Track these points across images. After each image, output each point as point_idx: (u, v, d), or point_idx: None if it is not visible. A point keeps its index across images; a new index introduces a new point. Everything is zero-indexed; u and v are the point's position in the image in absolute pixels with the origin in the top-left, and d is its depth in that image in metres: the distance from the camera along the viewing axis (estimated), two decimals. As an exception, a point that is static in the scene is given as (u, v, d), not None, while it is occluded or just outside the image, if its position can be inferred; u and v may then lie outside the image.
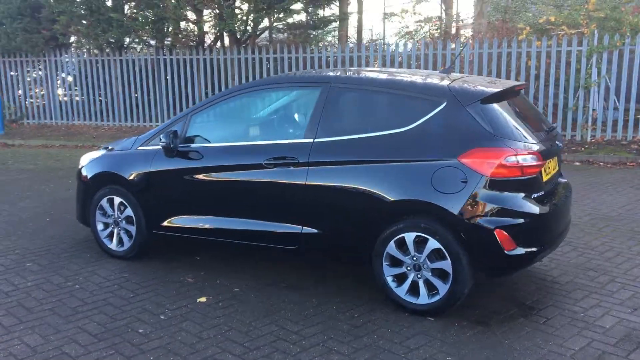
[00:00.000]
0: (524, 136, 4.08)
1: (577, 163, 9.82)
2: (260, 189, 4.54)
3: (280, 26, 13.89)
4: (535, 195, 4.06)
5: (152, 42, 14.20)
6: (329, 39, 16.44)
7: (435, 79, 4.43)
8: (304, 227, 4.43)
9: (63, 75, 14.90)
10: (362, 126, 4.33)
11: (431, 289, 4.07)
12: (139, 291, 4.61)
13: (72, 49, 14.82)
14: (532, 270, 4.97)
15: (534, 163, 3.99)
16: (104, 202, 5.31)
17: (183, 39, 13.57)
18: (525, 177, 3.97)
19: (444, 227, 3.95)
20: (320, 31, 13.84)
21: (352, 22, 18.01)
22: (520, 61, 11.19)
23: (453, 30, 16.24)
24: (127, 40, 14.21)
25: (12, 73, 14.70)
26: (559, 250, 5.40)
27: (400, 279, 4.18)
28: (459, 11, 22.55)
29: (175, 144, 4.83)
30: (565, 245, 5.56)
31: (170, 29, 13.08)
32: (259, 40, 14.50)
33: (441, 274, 4.02)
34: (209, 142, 4.86)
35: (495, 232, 3.84)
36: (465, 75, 5.14)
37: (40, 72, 14.81)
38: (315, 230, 4.40)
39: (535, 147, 4.06)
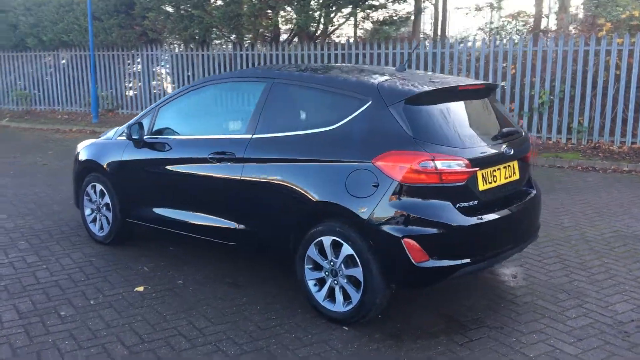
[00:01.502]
0: (453, 141, 3.75)
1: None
2: (205, 183, 4.56)
3: (359, 20, 13.71)
4: (463, 204, 3.72)
5: (232, 38, 14.62)
6: (402, 32, 15.98)
7: (374, 76, 4.19)
8: (239, 224, 4.39)
9: (157, 68, 15.78)
10: (296, 124, 4.20)
11: (347, 296, 3.88)
12: (92, 275, 4.80)
13: (165, 44, 15.64)
14: (496, 285, 4.58)
15: (458, 170, 3.66)
16: (89, 189, 5.58)
17: (259, 36, 13.83)
18: (447, 185, 3.65)
19: (356, 232, 3.74)
20: (393, 27, 13.50)
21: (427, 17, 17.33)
22: (598, 59, 10.25)
23: (543, 25, 15.19)
24: (212, 36, 14.71)
25: (119, 66, 15.76)
26: (543, 267, 4.93)
27: (321, 283, 4.02)
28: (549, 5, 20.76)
29: (140, 136, 4.96)
30: (557, 262, 5.06)
31: (245, 24, 13.37)
32: (338, 36, 14.46)
33: (355, 282, 3.82)
34: (170, 135, 4.95)
35: (403, 242, 3.58)
36: (422, 72, 4.82)
37: (138, 66, 15.78)
38: (247, 228, 4.35)
39: (465, 153, 3.71)
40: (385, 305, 3.88)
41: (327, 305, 3.95)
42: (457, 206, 3.69)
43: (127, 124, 5.12)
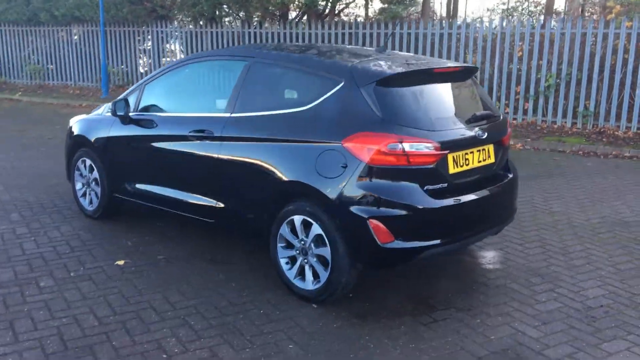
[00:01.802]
0: (423, 123, 3.76)
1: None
2: (185, 161, 4.62)
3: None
4: (431, 187, 3.74)
5: (241, 16, 14.60)
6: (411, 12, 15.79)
7: (350, 57, 4.20)
8: (217, 202, 4.46)
9: (167, 45, 15.84)
10: (272, 103, 4.23)
11: (316, 275, 3.94)
12: (77, 248, 4.91)
13: (175, 22, 15.66)
14: (472, 268, 4.61)
15: (426, 152, 3.67)
16: (79, 163, 5.68)
17: (267, 14, 13.79)
18: (414, 167, 3.67)
19: (324, 212, 3.78)
20: (401, 6, 13.36)
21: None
22: (606, 42, 10.09)
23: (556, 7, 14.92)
24: (219, 13, 14.71)
25: (130, 42, 15.79)
26: (523, 251, 4.94)
27: (292, 262, 4.08)
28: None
29: (125, 112, 5.02)
30: (538, 247, 5.07)
31: (253, 2, 13.35)
32: (347, 15, 14.36)
33: (324, 261, 3.87)
34: (155, 112, 5.00)
35: (369, 222, 3.61)
36: (402, 54, 4.81)
37: (149, 43, 15.84)
38: (224, 206, 4.42)
39: (434, 136, 3.72)
40: (354, 285, 3.92)
41: (298, 283, 4.02)
42: (425, 188, 3.70)
43: (114, 100, 5.18)
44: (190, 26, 15.10)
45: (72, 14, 16.21)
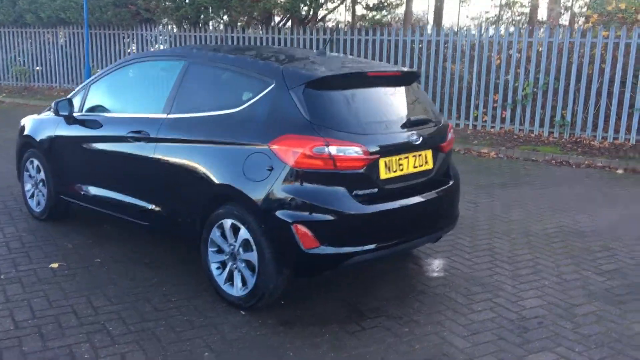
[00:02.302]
0: (352, 127, 3.68)
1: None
2: (123, 162, 4.55)
3: (348, 5, 13.56)
4: (361, 192, 3.66)
5: (224, 20, 14.56)
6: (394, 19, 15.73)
7: (285, 59, 4.13)
8: (151, 205, 4.38)
9: (152, 49, 15.78)
10: (207, 105, 4.15)
11: (245, 281, 3.85)
12: (16, 250, 4.82)
13: (161, 25, 15.61)
14: (413, 276, 4.53)
15: (354, 157, 3.59)
16: (28, 164, 5.60)
17: (250, 19, 13.75)
18: (342, 171, 3.58)
19: (251, 216, 3.70)
20: (382, 13, 13.31)
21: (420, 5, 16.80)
22: (584, 52, 10.03)
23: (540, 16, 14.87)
24: (202, 17, 14.66)
25: (115, 44, 15.75)
26: (471, 259, 4.86)
27: (223, 267, 3.99)
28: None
29: (69, 112, 4.94)
30: (486, 255, 4.98)
31: (235, 6, 13.30)
32: (329, 20, 14.32)
33: (252, 266, 3.78)
34: (98, 112, 4.92)
35: (293, 227, 3.53)
36: (343, 57, 4.75)
37: (133, 47, 15.80)
38: (158, 209, 4.33)
39: (363, 140, 3.64)
40: (288, 291, 3.84)
41: (227, 289, 3.93)
42: (353, 193, 3.62)
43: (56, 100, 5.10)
44: (175, 30, 15.04)
45: (58, 15, 16.16)
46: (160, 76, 4.51)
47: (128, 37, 15.74)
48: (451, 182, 4.32)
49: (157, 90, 4.46)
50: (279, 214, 3.56)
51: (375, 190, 3.73)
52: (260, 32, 13.67)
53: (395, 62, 11.89)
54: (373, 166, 3.70)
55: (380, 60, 12.02)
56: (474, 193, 7.06)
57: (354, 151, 3.60)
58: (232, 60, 4.13)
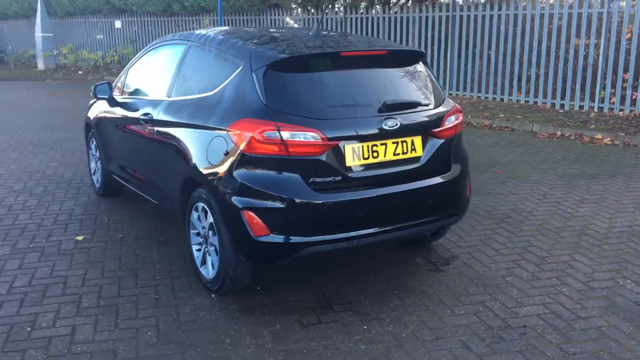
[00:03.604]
0: (312, 111, 3.48)
1: None
2: (138, 142, 4.75)
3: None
4: (319, 180, 3.47)
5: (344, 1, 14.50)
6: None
7: (264, 39, 4.00)
8: (156, 184, 4.55)
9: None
10: (194, 87, 4.17)
11: (214, 265, 3.86)
12: (60, 222, 5.27)
13: (288, 10, 15.98)
14: (413, 270, 4.22)
15: (309, 142, 3.41)
16: (90, 143, 6.09)
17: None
18: (296, 157, 3.42)
19: (213, 200, 3.68)
20: None
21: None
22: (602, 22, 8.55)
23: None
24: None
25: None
26: (493, 257, 4.44)
27: (200, 249, 4.04)
28: None
29: (109, 95, 5.26)
30: (515, 254, 4.50)
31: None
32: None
33: (217, 251, 3.78)
34: (132, 95, 5.18)
35: (242, 213, 3.45)
36: (335, 35, 4.45)
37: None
38: (160, 188, 4.49)
39: (323, 125, 3.44)
40: (248, 277, 3.76)
41: (203, 271, 3.97)
42: (309, 181, 3.44)
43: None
44: (300, 13, 15.30)
45: (199, 4, 17.21)
46: (171, 60, 4.62)
47: (256, 22, 16.31)
48: (451, 171, 3.93)
49: (166, 74, 4.57)
50: (231, 199, 3.50)
51: (339, 178, 3.51)
52: (379, 12, 13.41)
53: (511, 39, 11.04)
54: (335, 153, 3.48)
55: (496, 38, 11.21)
56: (550, 183, 6.37)
57: (311, 136, 3.41)
58: (218, 43, 4.11)
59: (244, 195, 3.46)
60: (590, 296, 3.82)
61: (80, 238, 4.87)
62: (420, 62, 4.08)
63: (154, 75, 4.89)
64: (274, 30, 4.58)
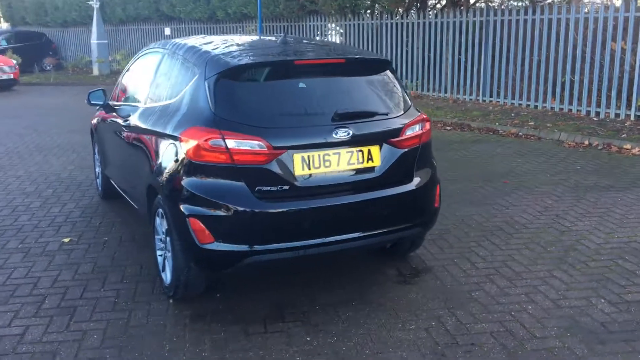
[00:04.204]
0: (259, 119, 3.47)
1: None
2: (121, 147, 4.86)
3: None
4: (266, 188, 3.45)
5: (379, 7, 14.40)
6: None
7: (227, 47, 4.02)
8: (133, 189, 4.64)
9: (317, 38, 16.31)
10: (162, 94, 4.22)
11: (173, 270, 3.90)
12: (55, 224, 5.44)
13: (324, 16, 15.98)
14: (382, 282, 4.13)
15: (255, 150, 3.40)
16: (94, 148, 6.27)
17: (399, 3, 13.43)
18: (242, 165, 3.42)
19: (166, 206, 3.73)
20: None
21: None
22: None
23: None
24: (358, 5, 14.64)
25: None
26: (467, 271, 4.30)
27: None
28: None
29: (103, 101, 5.42)
30: (493, 267, 4.35)
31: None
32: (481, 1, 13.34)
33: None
34: (123, 101, 5.30)
35: (189, 221, 3.48)
36: (301, 42, 4.37)
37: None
38: (134, 194, 4.58)
39: (269, 133, 3.43)
40: (197, 284, 3.78)
41: (163, 276, 4.01)
42: (255, 189, 3.43)
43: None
44: (337, 19, 15.30)
45: (241, 11, 17.49)
46: (150, 67, 4.70)
47: (296, 28, 16.40)
48: (412, 182, 3.83)
49: (145, 81, 4.66)
50: (180, 206, 3.53)
51: (286, 187, 3.48)
52: (414, 17, 13.27)
53: (546, 44, 10.70)
54: (283, 162, 3.45)
55: (530, 43, 10.89)
56: (558, 195, 6.12)
57: (257, 145, 3.40)
58: (184, 51, 4.15)
59: (191, 203, 3.48)
60: (555, 315, 3.64)
61: (66, 240, 5.02)
62: (387, 71, 4.00)
63: (137, 82, 5.00)
64: (245, 38, 4.58)
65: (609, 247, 4.70)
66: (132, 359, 3.24)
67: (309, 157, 3.51)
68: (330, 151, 3.56)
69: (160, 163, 3.76)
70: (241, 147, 3.39)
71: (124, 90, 5.26)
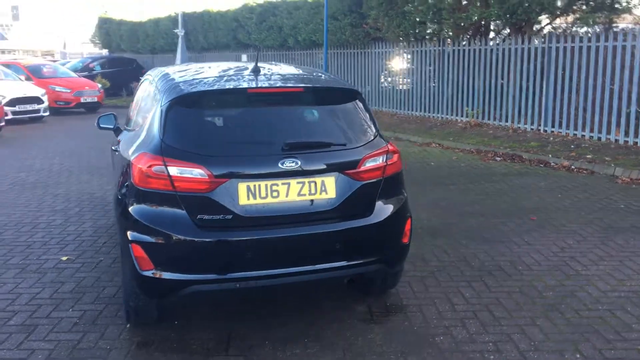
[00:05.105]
0: (204, 147, 3.45)
1: None
2: (114, 170, 4.98)
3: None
4: (208, 217, 3.41)
5: (441, 33, 14.12)
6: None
7: (195, 75, 4.03)
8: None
9: (386, 65, 16.21)
10: (138, 120, 4.30)
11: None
12: (63, 241, 5.65)
13: (388, 42, 15.85)
14: (348, 317, 3.96)
15: (196, 178, 3.38)
16: (114, 170, 6.48)
17: (461, 29, 13.11)
18: (183, 193, 3.40)
19: (118, 231, 3.76)
20: (595, 15, 11.06)
21: None
22: None
23: None
24: (418, 32, 14.40)
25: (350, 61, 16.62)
26: (423, 309, 4.03)
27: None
28: None
29: (113, 125, 5.60)
30: (452, 310, 4.07)
31: (446, 18, 12.83)
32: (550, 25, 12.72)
33: (129, 281, 3.83)
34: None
35: (131, 246, 3.48)
36: (270, 69, 4.26)
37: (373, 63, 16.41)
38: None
39: (213, 162, 3.39)
40: (147, 311, 3.75)
41: (125, 299, 4.03)
42: (196, 218, 3.40)
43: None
44: (401, 45, 15.15)
45: (310, 39, 17.74)
46: (140, 93, 4.81)
47: (362, 55, 16.38)
48: (372, 216, 3.66)
49: (135, 107, 4.77)
50: (125, 231, 3.54)
51: (229, 216, 3.41)
52: (477, 43, 12.91)
53: (610, 73, 10.04)
54: (227, 190, 3.40)
55: (594, 71, 10.27)
56: (584, 235, 5.67)
57: (198, 173, 3.37)
58: (158, 79, 4.21)
59: (134, 229, 3.48)
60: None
61: (64, 258, 5.18)
62: (355, 101, 3.87)
63: (133, 108, 5.12)
64: (224, 66, 4.56)
65: (614, 296, 4.27)
66: (62, 383, 3.25)
67: (255, 186, 3.43)
68: (279, 181, 3.46)
69: (119, 188, 3.81)
70: (183, 175, 3.37)
71: (127, 115, 5.40)
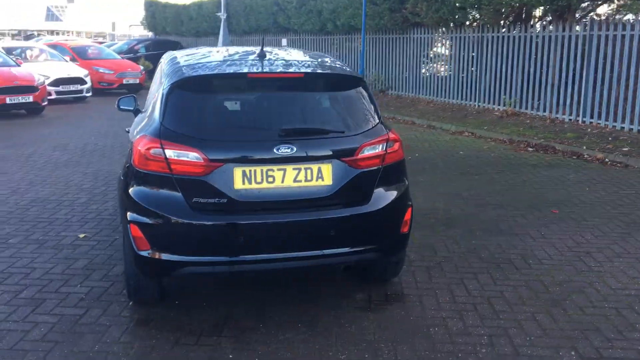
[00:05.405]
0: (201, 131, 3.50)
1: None
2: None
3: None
4: (203, 200, 3.46)
5: (480, 19, 13.82)
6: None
7: (202, 59, 4.07)
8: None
9: (427, 51, 15.98)
10: (148, 104, 4.36)
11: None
12: (83, 220, 5.82)
13: (426, 28, 15.60)
14: (348, 304, 3.97)
15: (191, 161, 3.43)
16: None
17: (499, 16, 12.78)
18: (179, 176, 3.45)
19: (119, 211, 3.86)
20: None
21: None
22: None
23: None
24: (458, 17, 14.11)
25: (388, 48, 16.45)
26: (424, 302, 4.01)
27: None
28: None
29: (134, 107, 5.70)
30: (465, 308, 4.03)
31: (485, 3, 12.54)
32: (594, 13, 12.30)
33: (131, 261, 3.92)
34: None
35: (130, 227, 3.57)
36: (275, 55, 4.24)
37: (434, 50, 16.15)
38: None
39: (209, 145, 3.43)
40: (147, 289, 3.83)
41: (129, 279, 4.13)
42: (192, 200, 3.45)
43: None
44: (441, 31, 14.91)
45: (349, 23, 17.61)
46: (154, 78, 4.88)
47: (401, 40, 16.18)
48: (370, 204, 3.64)
49: (150, 90, 4.84)
50: (125, 212, 3.63)
51: (224, 200, 3.45)
52: (515, 30, 12.59)
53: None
54: (222, 174, 3.44)
55: (636, 60, 9.91)
56: (605, 230, 5.52)
57: (194, 156, 3.42)
58: (166, 62, 4.26)
59: (133, 210, 3.56)
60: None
61: (81, 236, 5.34)
62: (358, 88, 3.85)
63: (150, 91, 5.19)
64: (232, 50, 4.57)
65: (623, 294, 4.15)
66: (59, 354, 3.36)
67: (250, 171, 3.45)
68: (275, 167, 3.48)
69: (123, 169, 3.89)
70: (179, 158, 3.42)
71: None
